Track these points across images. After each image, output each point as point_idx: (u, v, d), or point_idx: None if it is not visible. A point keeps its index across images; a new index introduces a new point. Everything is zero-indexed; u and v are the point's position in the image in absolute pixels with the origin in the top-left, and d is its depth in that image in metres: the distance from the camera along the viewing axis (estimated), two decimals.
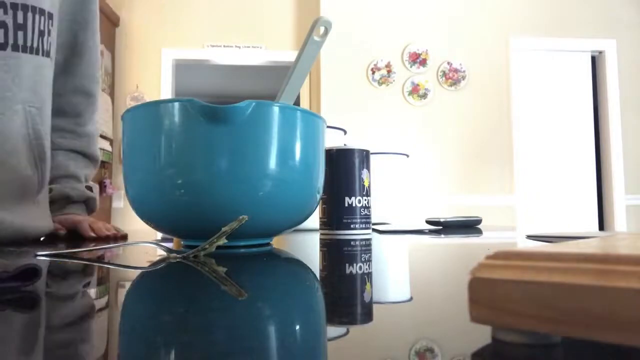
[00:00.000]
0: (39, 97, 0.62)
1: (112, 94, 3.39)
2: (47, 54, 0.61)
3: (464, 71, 3.48)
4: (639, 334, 0.11)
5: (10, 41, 0.56)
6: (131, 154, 0.47)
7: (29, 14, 0.58)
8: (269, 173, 0.44)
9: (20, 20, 0.57)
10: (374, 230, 0.80)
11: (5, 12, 0.55)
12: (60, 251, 0.43)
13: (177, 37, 3.54)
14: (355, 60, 3.43)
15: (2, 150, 0.58)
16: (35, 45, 0.59)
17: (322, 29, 0.49)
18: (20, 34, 0.57)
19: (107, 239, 0.67)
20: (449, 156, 3.43)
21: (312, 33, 0.49)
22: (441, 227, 0.85)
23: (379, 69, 3.42)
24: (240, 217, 0.39)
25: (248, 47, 3.58)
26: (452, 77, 3.47)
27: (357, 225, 0.69)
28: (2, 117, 0.57)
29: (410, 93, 3.43)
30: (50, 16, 0.61)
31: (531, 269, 0.13)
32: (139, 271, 0.31)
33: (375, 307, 0.19)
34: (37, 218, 0.64)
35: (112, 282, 0.27)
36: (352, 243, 0.53)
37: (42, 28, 0.60)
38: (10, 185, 0.59)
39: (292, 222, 0.49)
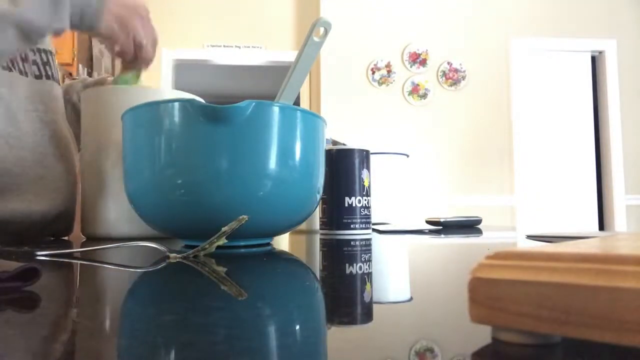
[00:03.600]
0: (61, 110, 0.79)
1: None
2: (59, 82, 0.80)
3: (464, 71, 3.48)
4: (639, 334, 0.11)
5: (43, 73, 0.74)
6: (131, 154, 0.47)
7: (49, 55, 0.77)
8: (269, 173, 0.44)
9: (45, 59, 0.75)
10: (374, 230, 0.80)
11: (34, 54, 0.73)
12: (60, 251, 0.43)
13: (177, 37, 3.54)
14: (355, 60, 3.43)
15: (62, 147, 0.74)
16: (56, 76, 0.78)
17: (321, 30, 0.49)
18: (47, 68, 0.75)
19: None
20: (449, 156, 3.43)
21: (312, 34, 0.49)
22: (441, 227, 0.85)
23: (379, 69, 3.43)
24: (240, 217, 0.39)
25: (248, 47, 3.58)
26: (452, 77, 3.47)
27: (357, 225, 0.69)
28: (56, 123, 0.74)
29: (410, 93, 3.44)
30: (52, 53, 0.78)
31: (531, 269, 0.13)
32: (139, 271, 0.31)
33: (375, 307, 0.19)
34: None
35: (112, 282, 0.27)
36: (352, 243, 0.53)
37: (52, 62, 0.78)
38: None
39: (292, 222, 0.49)
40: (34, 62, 0.73)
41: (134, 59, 0.71)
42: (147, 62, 0.73)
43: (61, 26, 0.60)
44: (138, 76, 0.75)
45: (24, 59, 0.71)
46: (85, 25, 0.63)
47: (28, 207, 0.67)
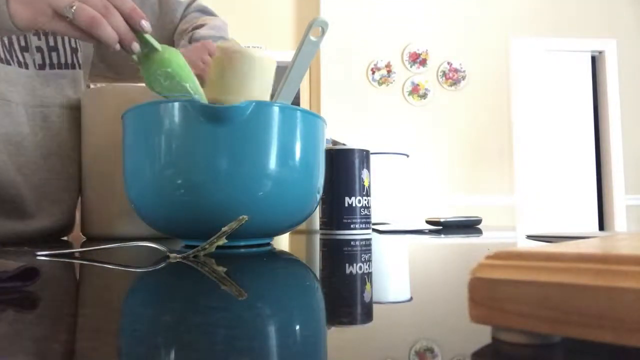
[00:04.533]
0: (76, 103, 0.71)
1: None
2: (80, 67, 0.71)
3: (464, 71, 3.48)
4: (638, 334, 0.11)
5: (47, 61, 0.66)
6: (131, 154, 0.47)
7: (58, 37, 0.67)
8: (269, 173, 0.44)
9: (51, 43, 0.66)
10: (374, 230, 0.80)
11: (39, 38, 0.65)
12: (60, 251, 0.43)
13: None
14: (355, 60, 3.43)
15: (64, 147, 0.69)
16: (69, 61, 0.69)
17: (318, 29, 0.49)
18: (54, 54, 0.67)
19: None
20: (449, 156, 3.43)
21: (309, 33, 0.48)
22: (441, 227, 0.85)
23: (379, 69, 3.42)
24: (240, 217, 0.39)
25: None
26: (452, 77, 3.47)
27: (357, 225, 0.69)
28: (58, 120, 0.69)
29: (410, 93, 3.44)
30: None
31: (531, 269, 0.13)
32: (139, 271, 0.31)
33: (375, 307, 0.19)
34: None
35: (112, 282, 0.27)
36: (352, 243, 0.53)
37: (73, 46, 0.70)
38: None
39: (292, 222, 0.49)
40: (38, 49, 0.65)
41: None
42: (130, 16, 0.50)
43: None
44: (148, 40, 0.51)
45: (24, 48, 0.64)
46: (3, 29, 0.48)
47: (28, 226, 0.65)
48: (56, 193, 0.69)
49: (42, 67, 0.66)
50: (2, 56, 0.62)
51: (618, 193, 3.51)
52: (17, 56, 0.64)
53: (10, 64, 0.63)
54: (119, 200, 0.65)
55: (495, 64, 3.52)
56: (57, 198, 0.69)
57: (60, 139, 0.69)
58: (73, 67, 0.70)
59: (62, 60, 0.68)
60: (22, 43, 0.64)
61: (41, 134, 0.67)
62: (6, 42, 0.62)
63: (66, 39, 0.68)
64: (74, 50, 0.70)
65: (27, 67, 0.65)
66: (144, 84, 0.54)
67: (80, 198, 0.72)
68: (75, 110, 0.71)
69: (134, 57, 0.49)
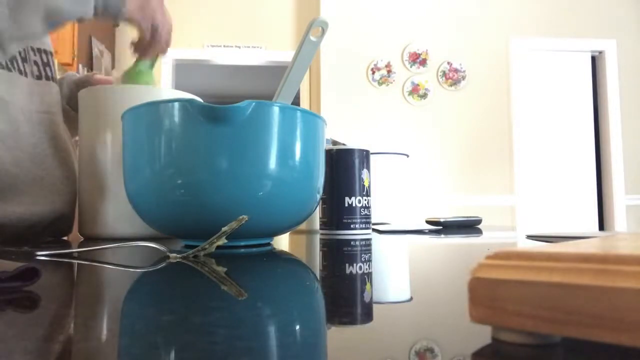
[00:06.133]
0: (60, 112, 0.78)
1: None
2: (55, 80, 0.80)
3: (464, 71, 3.48)
4: (639, 334, 0.11)
5: (43, 74, 0.74)
6: (131, 154, 0.47)
7: (50, 55, 0.77)
8: (269, 173, 0.44)
9: (45, 59, 0.75)
10: (374, 230, 0.80)
11: (35, 54, 0.74)
12: (60, 251, 0.43)
13: (177, 37, 3.54)
14: (355, 60, 3.43)
15: (60, 149, 0.73)
16: (54, 75, 0.78)
17: (318, 29, 0.49)
18: (47, 69, 0.75)
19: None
20: (449, 156, 3.43)
21: (309, 33, 0.49)
22: (441, 227, 0.85)
23: (379, 69, 3.43)
24: (240, 217, 0.39)
25: (248, 47, 3.58)
26: (452, 77, 3.47)
27: (357, 225, 0.69)
28: (56, 125, 0.74)
29: (410, 93, 3.44)
30: (52, 54, 0.78)
31: (531, 269, 0.13)
32: (139, 271, 0.31)
33: (375, 307, 0.19)
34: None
35: (112, 282, 0.27)
36: (352, 243, 0.53)
37: (51, 63, 0.79)
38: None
39: (292, 222, 0.49)
40: (35, 63, 0.72)
41: (149, 44, 0.71)
42: (162, 48, 0.72)
43: (85, 15, 0.62)
44: (152, 66, 0.74)
45: (24, 59, 0.70)
46: (109, 14, 0.64)
47: (27, 209, 0.66)
48: (50, 187, 0.70)
49: (39, 77, 0.72)
50: (4, 64, 0.67)
51: (618, 193, 3.52)
52: (17, 65, 0.69)
53: (11, 71, 0.67)
54: (116, 200, 0.65)
55: (495, 64, 3.53)
56: (51, 191, 0.70)
57: (55, 143, 0.73)
58: (57, 84, 0.79)
59: (53, 75, 0.76)
60: (23, 55, 0.70)
61: (38, 135, 0.70)
62: None
63: (57, 58, 0.79)
64: (56, 70, 0.80)
65: (26, 75, 0.70)
66: (140, 85, 0.71)
67: (78, 198, 0.72)
68: (62, 118, 0.77)
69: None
